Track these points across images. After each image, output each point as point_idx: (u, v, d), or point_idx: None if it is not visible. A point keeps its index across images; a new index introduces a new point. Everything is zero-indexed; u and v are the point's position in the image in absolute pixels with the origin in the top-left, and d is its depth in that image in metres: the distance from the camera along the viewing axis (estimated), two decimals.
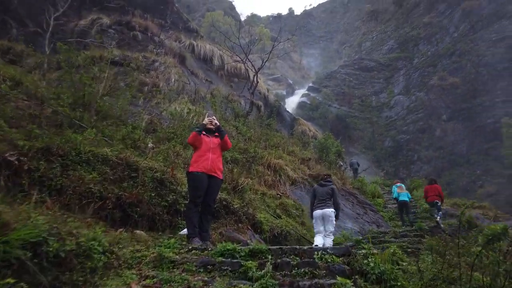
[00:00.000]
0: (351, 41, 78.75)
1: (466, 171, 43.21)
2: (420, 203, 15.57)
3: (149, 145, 7.30)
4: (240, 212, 6.06)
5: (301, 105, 55.57)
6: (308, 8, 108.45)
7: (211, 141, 5.40)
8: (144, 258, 3.69)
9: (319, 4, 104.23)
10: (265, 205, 7.97)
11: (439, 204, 12.16)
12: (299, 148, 15.98)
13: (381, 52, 64.15)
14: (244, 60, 18.46)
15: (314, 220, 7.68)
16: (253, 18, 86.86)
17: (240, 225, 5.90)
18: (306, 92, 60.20)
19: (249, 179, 7.56)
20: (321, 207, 7.66)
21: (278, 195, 9.42)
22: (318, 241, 7.22)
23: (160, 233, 5.11)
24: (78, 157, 5.17)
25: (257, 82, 17.99)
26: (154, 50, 19.10)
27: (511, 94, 43.77)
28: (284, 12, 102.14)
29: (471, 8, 51.30)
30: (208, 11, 73.37)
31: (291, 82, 65.67)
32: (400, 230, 10.04)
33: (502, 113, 42.41)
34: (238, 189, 6.88)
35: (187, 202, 5.27)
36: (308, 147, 19.81)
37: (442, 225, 11.88)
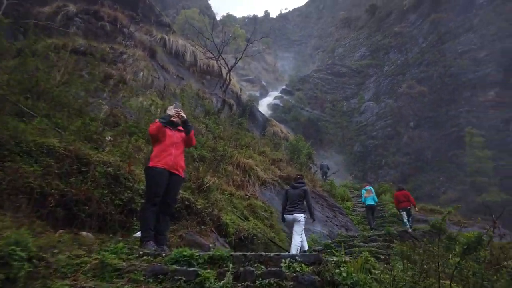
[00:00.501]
0: (325, 47, 79.64)
1: (430, 177, 44.40)
2: (388, 207, 15.54)
3: (106, 138, 6.65)
4: (204, 213, 5.54)
5: (274, 107, 55.50)
6: (284, 11, 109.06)
7: (175, 136, 4.87)
8: (83, 265, 3.11)
9: (295, 9, 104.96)
10: (232, 206, 7.49)
11: (410, 209, 12.23)
12: (270, 149, 15.60)
13: (353, 59, 65.18)
14: (217, 57, 17.91)
15: (285, 224, 7.57)
16: (228, 18, 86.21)
17: (203, 227, 5.39)
18: (279, 94, 60.25)
19: (216, 178, 7.06)
20: (292, 212, 7.50)
21: (247, 196, 8.96)
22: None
23: (111, 235, 4.52)
24: (18, 147, 4.51)
25: (230, 80, 17.50)
26: (123, 42, 18.23)
27: (474, 105, 45.39)
28: (260, 14, 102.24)
29: (439, 20, 52.96)
30: (183, 9, 72.16)
31: (264, 83, 65.56)
32: (369, 234, 9.83)
33: (466, 122, 43.91)
34: (203, 189, 6.36)
35: (143, 201, 4.70)
36: (280, 148, 19.48)
37: (410, 228, 11.97)
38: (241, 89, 22.42)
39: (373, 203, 14.02)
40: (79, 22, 18.36)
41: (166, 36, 20.51)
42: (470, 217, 24.06)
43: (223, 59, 17.74)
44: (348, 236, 10.01)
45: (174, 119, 4.91)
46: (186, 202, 5.39)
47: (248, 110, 19.12)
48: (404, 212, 12.34)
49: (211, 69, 21.54)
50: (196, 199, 5.78)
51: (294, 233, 7.36)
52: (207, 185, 6.47)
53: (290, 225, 7.57)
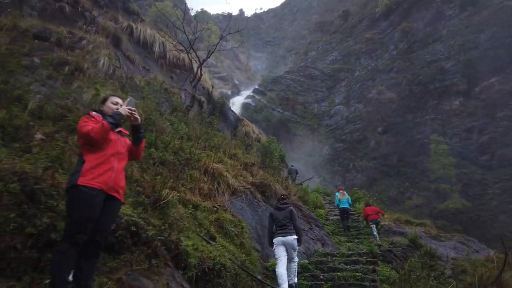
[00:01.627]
0: (298, 49, 79.17)
1: (396, 182, 44.62)
2: (363, 216, 14.60)
3: (36, 136, 5.07)
4: (156, 242, 4.11)
5: (245, 106, 54.21)
6: (259, 11, 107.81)
7: (119, 142, 3.43)
8: None
9: (270, 9, 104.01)
10: (196, 223, 6.08)
11: (379, 221, 12.25)
12: (242, 151, 14.26)
13: (325, 62, 64.98)
14: (188, 49, 16.33)
15: (274, 246, 6.80)
16: (203, 14, 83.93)
17: (154, 261, 3.96)
18: (252, 94, 59.02)
19: (180, 188, 5.62)
20: (283, 234, 6.74)
21: (215, 208, 7.57)
22: (281, 271, 6.43)
23: (12, 283, 3.02)
24: None
25: (201, 74, 16.00)
26: (84, 26, 16.29)
27: (439, 113, 46.06)
28: (235, 12, 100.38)
29: (409, 29, 53.51)
30: (156, 1, 69.37)
31: (237, 82, 64.12)
32: (350, 253, 8.72)
33: (431, 130, 44.46)
34: (160, 205, 4.92)
35: (62, 238, 3.16)
36: (251, 150, 18.17)
37: (378, 239, 11.88)
38: (213, 86, 20.93)
39: (347, 206, 13.63)
40: (35, 1, 16.25)
41: (133, 24, 18.68)
42: (436, 224, 23.80)
43: (194, 52, 16.20)
44: (326, 253, 8.85)
45: (127, 117, 3.48)
46: (133, 228, 3.94)
47: (218, 108, 17.65)
48: (374, 225, 12.19)
49: (181, 62, 19.92)
50: (147, 222, 4.33)
51: (291, 259, 6.76)
52: (165, 199, 5.03)
53: (280, 248, 6.76)
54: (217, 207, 7.68)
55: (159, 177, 5.36)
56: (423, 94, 48.04)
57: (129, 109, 3.48)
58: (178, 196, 6.21)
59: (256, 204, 9.26)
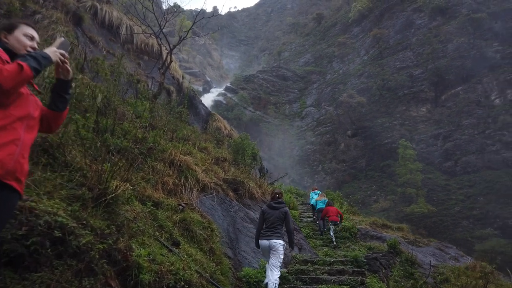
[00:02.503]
0: (271, 49, 78.56)
1: (363, 185, 44.78)
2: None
3: None
4: (93, 252, 2.86)
5: (216, 104, 52.80)
6: (233, 10, 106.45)
7: (31, 102, 2.16)
8: None
9: (244, 9, 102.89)
10: (156, 225, 4.82)
11: (338, 223, 11.93)
12: (212, 145, 13.01)
13: (298, 64, 64.71)
14: (157, 33, 14.87)
15: (261, 251, 6.26)
16: (176, 8, 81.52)
17: (88, 281, 2.71)
18: (223, 91, 57.66)
19: (129, 184, 4.35)
20: (268, 237, 6.05)
21: (180, 206, 6.32)
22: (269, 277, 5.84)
23: None
24: None
25: (171, 61, 14.61)
26: (40, 0, 14.47)
27: (407, 119, 46.72)
28: (209, 9, 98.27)
29: (381, 35, 54.09)
30: None
31: (209, 79, 62.49)
32: (332, 260, 7.73)
33: (399, 135, 44.95)
34: (105, 201, 3.66)
35: None
36: (223, 145, 16.92)
37: (334, 240, 11.51)
38: (183, 76, 19.50)
39: (323, 206, 12.87)
40: None
41: (98, 4, 16.93)
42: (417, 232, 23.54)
43: (164, 36, 14.76)
44: (306, 260, 7.81)
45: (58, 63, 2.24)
46: (57, 233, 2.66)
47: (189, 100, 16.26)
48: (332, 226, 11.85)
49: (150, 49, 18.35)
50: (84, 223, 3.06)
51: (270, 266, 5.86)
52: (114, 194, 3.76)
53: (266, 252, 6.09)
54: (184, 205, 6.43)
55: (108, 164, 4.09)
56: (392, 99, 48.61)
57: (61, 54, 2.20)
58: (133, 190, 4.93)
59: (228, 203, 8.08)
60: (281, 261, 6.04)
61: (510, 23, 42.21)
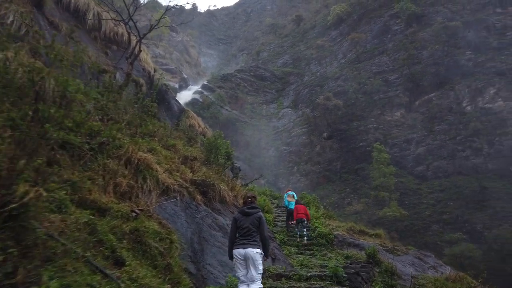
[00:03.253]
0: (250, 49, 77.69)
1: (337, 188, 44.55)
2: (314, 223, 12.94)
3: None
4: None
5: (193, 102, 51.37)
6: (212, 8, 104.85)
7: None
8: None
9: (223, 7, 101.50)
10: (93, 240, 3.76)
11: (306, 222, 11.68)
12: (183, 143, 11.91)
13: (276, 65, 64.14)
14: (126, 20, 13.62)
15: (234, 260, 5.42)
16: (153, 4, 79.21)
17: None
18: (200, 89, 56.27)
19: (42, 190, 3.23)
20: (244, 245, 5.35)
21: (134, 213, 5.27)
22: None
23: None
24: None
25: (140, 51, 13.40)
26: None
27: (382, 123, 46.91)
28: (187, 6, 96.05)
29: (358, 39, 54.22)
30: None
31: (185, 76, 60.87)
32: (308, 274, 6.86)
33: (373, 138, 45.03)
34: (9, 213, 2.59)
35: None
36: (195, 144, 15.81)
37: (306, 242, 11.34)
38: (155, 69, 18.25)
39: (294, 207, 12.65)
40: None
41: None
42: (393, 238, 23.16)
43: (134, 23, 13.55)
44: (279, 275, 6.89)
45: None
46: None
47: (160, 94, 15.07)
48: (299, 224, 11.75)
49: (119, 38, 16.97)
50: None
51: (249, 279, 5.21)
52: (21, 202, 2.70)
53: (241, 264, 5.34)
54: (138, 211, 5.38)
55: (22, 161, 3.00)
56: (368, 103, 48.72)
57: None
58: (73, 194, 3.87)
59: (194, 208, 7.06)
60: (261, 272, 5.37)
61: (482, 32, 43.09)
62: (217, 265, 6.29)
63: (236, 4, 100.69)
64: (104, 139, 6.38)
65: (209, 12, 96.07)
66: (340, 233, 11.91)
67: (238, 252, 5.35)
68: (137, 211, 5.42)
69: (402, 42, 49.04)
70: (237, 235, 5.49)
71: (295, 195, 14.65)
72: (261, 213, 5.66)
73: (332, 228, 12.23)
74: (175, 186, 6.85)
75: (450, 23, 44.63)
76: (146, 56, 17.36)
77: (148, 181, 6.25)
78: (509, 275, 26.35)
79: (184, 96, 51.46)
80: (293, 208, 12.91)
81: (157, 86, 14.65)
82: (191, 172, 8.89)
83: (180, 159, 9.35)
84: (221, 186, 8.81)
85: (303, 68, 59.97)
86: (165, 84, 19.31)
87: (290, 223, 12.76)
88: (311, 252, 10.80)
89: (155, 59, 56.67)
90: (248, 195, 5.97)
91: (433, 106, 43.65)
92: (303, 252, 10.76)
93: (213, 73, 65.37)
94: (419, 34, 47.91)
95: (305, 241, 11.43)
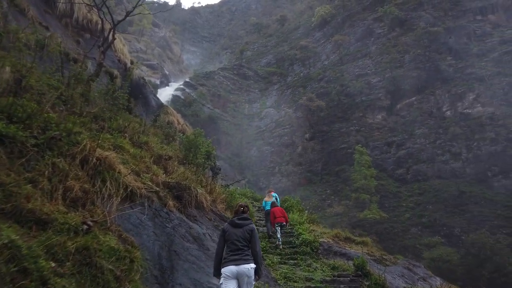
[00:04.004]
0: (233, 48, 76.50)
1: (318, 189, 44.01)
2: (298, 229, 12.05)
3: None
4: None
5: (174, 99, 49.90)
6: (196, 5, 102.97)
7: None
8: None
9: (207, 5, 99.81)
10: (12, 269, 2.70)
11: (284, 224, 11.28)
12: (158, 140, 10.81)
13: (260, 64, 63.24)
14: (99, 5, 12.36)
15: (222, 279, 4.68)
16: None
17: None
18: (182, 86, 54.76)
19: None
20: (236, 262, 4.66)
21: (85, 226, 4.20)
22: None
23: None
24: None
25: (114, 39, 12.19)
26: None
27: (363, 125, 46.70)
28: (171, 2, 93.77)
29: (342, 41, 53.94)
30: None
31: (167, 72, 59.19)
32: None
33: (355, 140, 44.73)
34: None
35: None
36: (173, 142, 14.70)
37: (281, 246, 10.77)
38: (132, 61, 16.99)
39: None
40: None
41: None
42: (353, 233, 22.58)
43: (107, 8, 12.32)
44: None
45: None
46: None
47: (129, 81, 13.78)
48: (279, 227, 11.19)
49: (93, 26, 15.73)
50: None
51: None
52: None
53: (230, 283, 4.61)
54: (91, 223, 4.31)
55: None
56: (350, 105, 48.45)
57: None
58: (7, 204, 2.82)
59: (165, 216, 6.02)
60: None
61: (463, 39, 43.42)
62: (189, 285, 5.29)
63: (221, 2, 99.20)
64: (55, 133, 5.26)
65: (193, 9, 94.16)
66: (325, 241, 11.07)
67: (229, 270, 4.62)
68: (89, 222, 4.35)
69: (385, 45, 49.00)
70: (226, 249, 4.81)
71: (277, 197, 13.89)
72: (253, 226, 5.01)
73: (317, 235, 11.38)
74: (142, 191, 5.79)
75: (432, 28, 44.80)
76: (122, 47, 16.09)
77: (108, 184, 5.18)
78: (487, 280, 26.29)
79: (165, 93, 49.95)
80: (268, 209, 12.29)
81: (130, 76, 13.43)
82: (164, 173, 7.83)
83: (153, 158, 8.27)
84: (198, 190, 7.77)
85: (287, 69, 59.30)
86: (143, 78, 18.06)
87: (272, 228, 11.95)
88: (295, 261, 9.91)
89: (136, 54, 54.80)
90: (241, 204, 5.27)
91: (414, 110, 43.70)
92: (286, 261, 9.86)
93: (196, 70, 63.89)
94: (401, 38, 47.96)
95: (280, 246, 10.75)
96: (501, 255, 28.49)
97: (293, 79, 56.99)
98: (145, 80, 18.47)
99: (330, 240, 11.14)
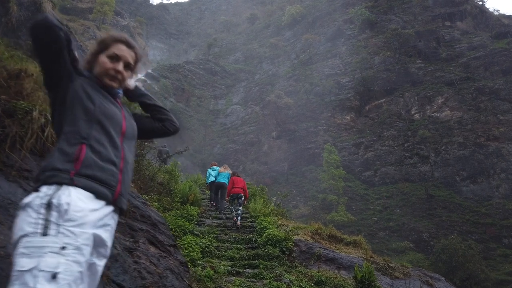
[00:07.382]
0: (201, 45, 72.22)
1: (284, 189, 40.26)
2: (261, 223, 8.05)
3: None
4: None
5: None
6: (165, 2, 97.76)
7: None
8: None
9: (177, 2, 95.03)
10: None
11: (243, 198, 9.28)
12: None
13: (228, 61, 59.38)
14: None
15: None
16: None
17: None
18: (143, 78, 49.59)
19: None
20: None
21: None
22: None
23: None
24: None
25: None
26: None
27: (332, 125, 43.88)
28: None
29: (312, 41, 51.30)
30: None
31: None
32: None
33: (322, 141, 41.68)
34: None
35: None
36: None
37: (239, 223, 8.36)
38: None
39: (226, 181, 10.20)
40: None
41: None
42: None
43: None
44: None
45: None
46: None
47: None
48: (235, 200, 9.24)
49: None
50: None
51: None
52: None
53: None
54: None
55: None
56: (318, 105, 45.54)
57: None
58: None
59: None
60: None
61: (432, 43, 41.87)
62: None
63: (191, 1, 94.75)
64: None
65: (161, 5, 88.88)
66: (302, 239, 7.19)
67: None
68: None
69: (355, 46, 46.75)
70: None
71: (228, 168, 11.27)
72: None
73: (289, 231, 7.49)
74: None
75: (403, 30, 43.00)
76: None
77: None
78: None
79: None
80: (222, 181, 10.22)
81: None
82: None
83: None
84: None
85: (255, 66, 55.84)
86: (67, 26, 13.52)
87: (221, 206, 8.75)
88: (255, 271, 5.89)
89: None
90: None
91: (383, 111, 41.41)
92: (241, 271, 5.83)
93: (160, 61, 58.90)
94: (371, 40, 45.90)
95: (239, 222, 8.32)
96: (473, 262, 25.99)
97: (262, 76, 53.57)
98: (69, 28, 13.89)
99: (309, 239, 7.36)
